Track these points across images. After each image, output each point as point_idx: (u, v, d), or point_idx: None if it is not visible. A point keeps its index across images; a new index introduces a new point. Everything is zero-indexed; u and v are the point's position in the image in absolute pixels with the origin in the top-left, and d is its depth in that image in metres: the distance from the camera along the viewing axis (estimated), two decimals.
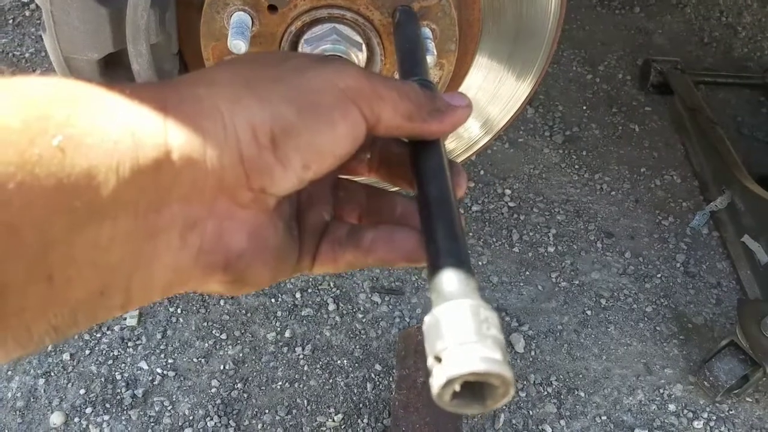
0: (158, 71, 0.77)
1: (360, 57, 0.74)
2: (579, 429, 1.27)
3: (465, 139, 1.03)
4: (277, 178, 0.34)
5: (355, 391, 1.31)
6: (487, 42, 0.87)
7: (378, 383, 1.32)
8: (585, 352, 1.40)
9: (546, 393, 1.32)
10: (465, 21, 0.78)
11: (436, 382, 0.29)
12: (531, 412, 1.29)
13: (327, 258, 0.42)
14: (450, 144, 1.03)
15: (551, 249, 1.57)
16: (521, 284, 1.51)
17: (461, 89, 0.90)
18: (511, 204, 1.65)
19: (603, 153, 1.78)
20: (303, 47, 0.75)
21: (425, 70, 0.51)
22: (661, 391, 1.33)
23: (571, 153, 1.76)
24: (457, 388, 0.29)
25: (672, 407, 1.30)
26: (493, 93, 0.95)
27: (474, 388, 0.30)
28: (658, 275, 1.53)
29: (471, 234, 1.59)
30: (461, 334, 0.29)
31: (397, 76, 0.66)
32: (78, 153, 0.28)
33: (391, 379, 1.32)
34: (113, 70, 0.80)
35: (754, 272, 1.46)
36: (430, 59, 0.73)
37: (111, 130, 0.30)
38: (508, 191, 1.66)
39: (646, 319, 1.45)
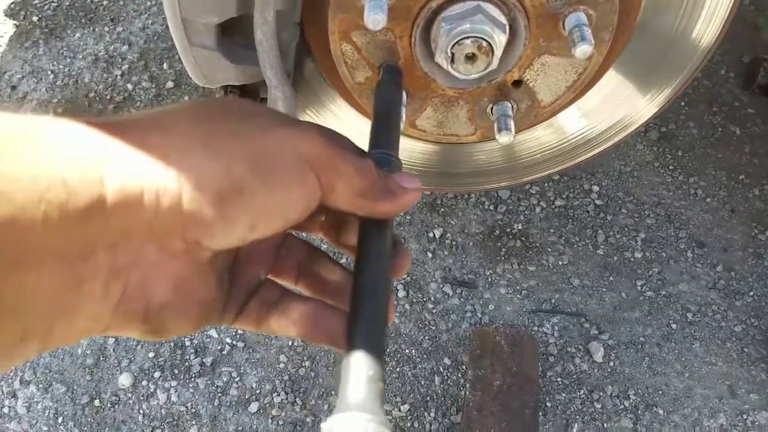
0: (278, 40, 0.71)
1: (501, 39, 0.67)
2: None
3: (566, 149, 0.96)
4: (218, 233, 0.33)
5: (423, 383, 1.27)
6: (632, 50, 0.79)
7: (447, 377, 1.28)
8: (667, 367, 1.32)
9: (623, 407, 1.26)
10: (624, 7, 0.70)
11: None
12: (606, 425, 1.23)
13: (251, 318, 0.41)
14: (548, 150, 0.95)
15: (638, 255, 1.48)
16: (604, 290, 1.43)
17: (595, 89, 0.82)
18: (598, 202, 1.56)
19: (700, 155, 1.66)
20: (440, 26, 0.67)
21: (393, 142, 0.50)
22: (745, 416, 1.25)
23: (665, 152, 1.65)
24: None
25: None
26: (615, 106, 0.87)
27: None
28: (750, 293, 1.43)
29: (552, 231, 1.52)
30: None
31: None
32: (2, 200, 0.27)
33: (459, 374, 1.28)
34: (230, 36, 0.74)
35: None
36: (586, 48, 0.65)
37: (41, 177, 0.28)
38: (595, 188, 1.57)
39: (733, 338, 1.37)
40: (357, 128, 0.88)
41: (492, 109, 0.78)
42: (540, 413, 1.22)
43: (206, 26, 0.70)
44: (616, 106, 0.89)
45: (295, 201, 0.35)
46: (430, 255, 1.48)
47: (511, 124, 0.75)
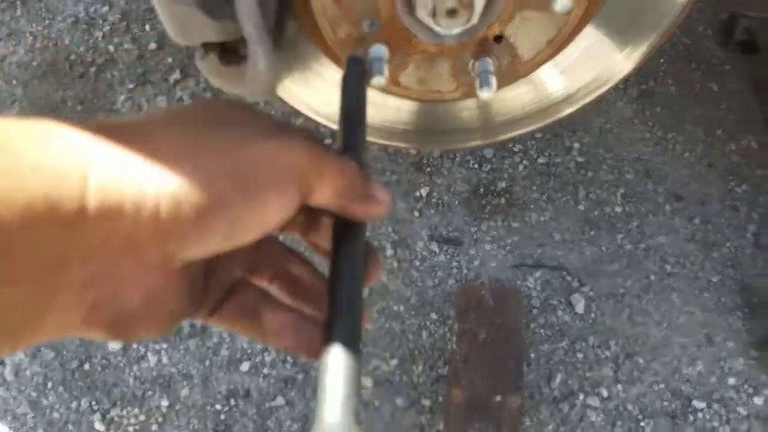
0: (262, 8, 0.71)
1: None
2: (635, 395, 1.26)
3: (545, 105, 0.96)
4: (195, 246, 0.34)
5: (410, 338, 1.31)
6: (609, 6, 0.79)
7: (433, 332, 1.31)
8: (646, 318, 1.37)
9: (604, 356, 1.31)
10: None
11: None
12: (587, 374, 1.28)
13: (225, 319, 0.42)
14: (529, 107, 0.96)
15: (618, 209, 1.52)
16: (584, 244, 1.46)
17: (573, 43, 0.82)
18: (579, 159, 1.58)
19: (678, 111, 1.69)
20: None
21: (363, 145, 0.49)
22: (722, 363, 1.31)
23: (645, 108, 1.67)
24: None
25: (732, 381, 1.28)
26: (592, 61, 0.88)
27: None
28: (727, 244, 1.48)
29: (535, 188, 1.54)
30: None
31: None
32: None
33: (446, 329, 1.31)
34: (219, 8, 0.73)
35: None
36: (565, 1, 0.66)
37: (21, 193, 0.28)
38: (576, 145, 1.59)
39: (711, 288, 1.41)
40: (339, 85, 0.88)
41: (473, 65, 0.79)
42: (524, 364, 1.26)
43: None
44: (594, 62, 0.89)
45: (275, 213, 0.36)
46: (416, 214, 1.50)
47: (493, 80, 0.76)
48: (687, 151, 1.62)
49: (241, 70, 0.79)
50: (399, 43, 0.76)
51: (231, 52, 0.79)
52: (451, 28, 0.69)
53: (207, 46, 0.77)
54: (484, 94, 0.77)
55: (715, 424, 1.23)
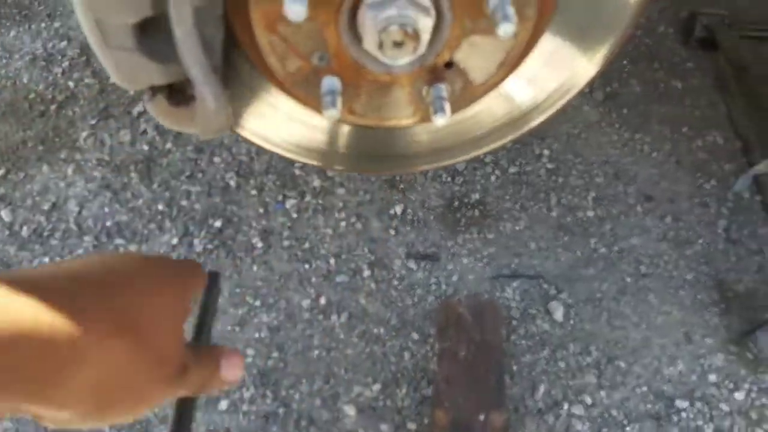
0: (201, 37, 0.70)
1: (426, 23, 0.67)
2: (619, 400, 1.26)
3: (516, 116, 0.97)
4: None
5: (393, 360, 1.30)
6: (556, 23, 0.79)
7: (415, 352, 1.31)
8: (624, 320, 1.37)
9: (586, 363, 1.31)
10: None
11: None
12: (570, 383, 1.28)
13: None
14: (501, 120, 0.97)
15: (590, 213, 1.52)
16: (559, 250, 1.47)
17: (526, 63, 0.83)
18: (549, 165, 1.59)
19: (643, 111, 1.70)
20: (365, 13, 0.67)
21: (209, 337, 0.57)
22: (702, 361, 1.31)
23: (611, 111, 1.69)
24: None
25: (713, 377, 1.29)
26: (556, 69, 0.88)
27: None
28: (699, 241, 1.49)
29: (508, 197, 1.54)
30: None
31: None
32: None
33: (428, 348, 1.31)
34: (150, 35, 0.72)
35: None
36: (508, 27, 0.66)
37: None
38: (546, 152, 1.60)
39: (686, 286, 1.42)
40: (295, 118, 0.87)
41: (427, 91, 0.78)
42: (506, 377, 1.26)
43: (123, 27, 0.68)
44: (558, 69, 0.90)
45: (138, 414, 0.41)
46: (392, 232, 1.49)
47: (446, 105, 0.76)
48: (654, 150, 1.64)
49: (191, 109, 0.78)
50: (350, 74, 0.76)
51: (179, 92, 0.78)
52: (399, 59, 0.69)
53: (154, 88, 0.76)
54: (439, 121, 0.77)
55: (699, 422, 1.23)
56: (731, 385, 1.28)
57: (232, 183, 1.54)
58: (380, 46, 0.68)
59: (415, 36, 0.67)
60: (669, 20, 1.89)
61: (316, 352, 1.30)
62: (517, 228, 1.50)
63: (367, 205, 1.53)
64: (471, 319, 1.22)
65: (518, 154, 1.60)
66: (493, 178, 1.57)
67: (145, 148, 1.58)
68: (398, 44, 0.68)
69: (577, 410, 1.24)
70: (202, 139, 1.48)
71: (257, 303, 1.36)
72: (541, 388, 1.26)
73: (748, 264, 1.46)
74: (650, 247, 1.48)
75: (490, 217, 1.52)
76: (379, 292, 1.39)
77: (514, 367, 1.29)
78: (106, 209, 1.49)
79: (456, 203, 1.54)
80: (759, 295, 1.40)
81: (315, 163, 1.04)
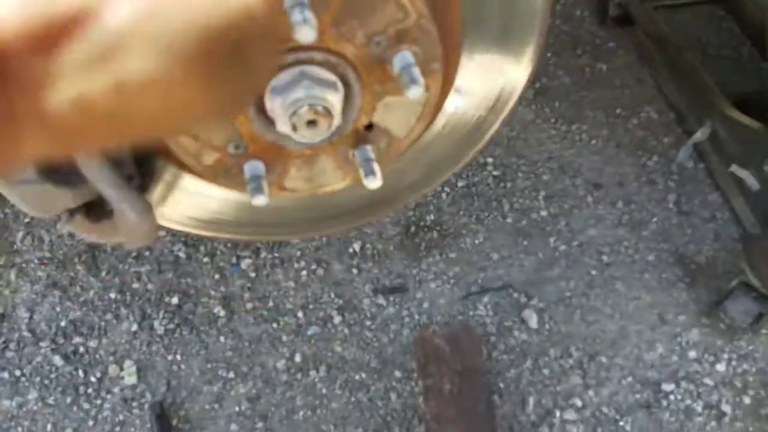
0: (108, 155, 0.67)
1: (335, 98, 0.66)
2: (608, 395, 1.27)
3: (464, 136, 0.97)
4: None
5: (380, 405, 1.28)
6: (473, 40, 0.79)
7: (401, 391, 1.29)
8: (598, 314, 1.38)
9: (569, 365, 1.31)
10: (445, 32, 0.69)
11: None
12: (558, 388, 1.28)
13: None
14: (458, 133, 0.97)
15: (544, 213, 1.53)
16: (521, 255, 1.47)
17: (451, 95, 0.82)
18: (495, 173, 1.59)
19: (576, 100, 1.72)
20: (272, 98, 0.65)
21: None
22: (679, 339, 1.33)
23: (543, 106, 1.70)
24: None
25: (693, 354, 1.31)
26: (492, 84, 0.88)
27: None
28: (654, 220, 1.52)
29: (462, 212, 1.54)
30: None
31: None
32: None
33: (414, 383, 1.29)
34: (56, 163, 0.68)
35: (747, 200, 1.45)
36: (417, 90, 0.65)
37: None
38: (489, 159, 1.60)
39: (650, 268, 1.44)
40: (227, 198, 0.85)
41: (353, 154, 0.77)
42: (495, 396, 1.25)
43: None
44: (491, 84, 0.89)
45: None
46: (356, 271, 1.47)
47: (375, 167, 0.74)
48: (593, 137, 1.66)
49: (113, 221, 0.74)
50: (272, 156, 0.74)
51: (98, 207, 0.74)
52: (316, 136, 0.67)
53: (71, 210, 0.73)
54: (371, 184, 0.75)
55: (688, 401, 1.25)
56: (711, 358, 1.30)
57: (182, 255, 1.49)
58: (294, 128, 0.66)
59: (327, 113, 0.65)
60: (583, 3, 1.92)
61: (301, 413, 1.27)
62: (476, 241, 1.50)
63: (325, 249, 1.51)
64: (449, 348, 1.21)
65: (464, 167, 1.59)
66: (443, 195, 1.57)
67: None
68: (312, 122, 0.66)
69: (569, 415, 1.24)
70: (129, 249, 1.43)
71: (231, 375, 1.32)
72: (531, 401, 1.26)
73: (704, 233, 1.49)
74: (608, 235, 1.50)
75: (448, 236, 1.52)
76: (354, 336, 1.37)
77: (501, 385, 1.28)
78: (58, 309, 1.43)
79: (413, 228, 1.53)
80: (720, 263, 1.43)
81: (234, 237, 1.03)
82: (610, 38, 1.85)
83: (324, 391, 1.30)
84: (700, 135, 1.56)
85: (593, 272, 1.44)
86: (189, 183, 0.84)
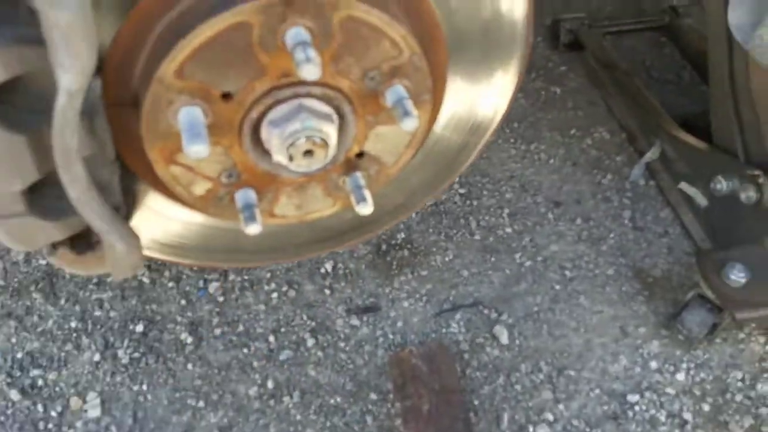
0: (97, 183, 0.65)
1: (331, 129, 0.67)
2: (577, 408, 1.31)
3: (448, 163, 1.00)
4: None
5: (356, 429, 1.27)
6: (457, 66, 0.82)
7: (377, 414, 1.29)
8: (564, 328, 1.43)
9: (539, 380, 1.34)
10: (433, 65, 0.72)
11: None
12: (530, 404, 1.31)
13: None
14: (454, 143, 1.00)
15: (509, 229, 1.58)
16: (490, 272, 1.50)
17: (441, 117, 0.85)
18: (461, 191, 1.63)
19: (533, 122, 1.79)
20: (269, 130, 0.65)
21: None
22: (641, 351, 1.39)
23: (504, 127, 1.76)
24: None
25: (654, 364, 1.37)
26: (478, 99, 0.91)
27: None
28: (611, 235, 1.59)
29: (431, 230, 1.56)
30: None
31: None
32: None
33: (389, 405, 1.29)
34: (41, 194, 0.66)
35: (696, 216, 1.54)
36: (411, 122, 0.67)
37: None
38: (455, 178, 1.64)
39: (610, 281, 1.50)
40: (218, 226, 0.84)
41: (344, 181, 0.78)
42: (471, 414, 1.27)
43: (10, 195, 0.62)
44: (474, 106, 0.92)
45: None
46: (328, 292, 1.46)
47: (366, 194, 0.76)
48: (551, 157, 1.72)
49: (98, 253, 0.72)
50: (264, 184, 0.74)
51: (82, 239, 0.72)
52: (312, 166, 0.68)
53: (54, 243, 0.70)
54: (363, 210, 0.76)
55: (653, 411, 1.30)
56: (671, 368, 1.36)
57: (146, 280, 1.45)
58: (291, 158, 0.67)
59: (323, 144, 0.66)
60: (536, 29, 1.99)
61: None
62: (446, 259, 1.53)
63: (296, 270, 1.49)
64: (425, 368, 1.22)
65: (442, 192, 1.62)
66: (413, 214, 1.59)
67: (43, 263, 1.45)
68: (309, 153, 0.67)
69: (542, 430, 1.27)
70: (116, 280, 1.38)
71: (201, 404, 1.28)
72: (505, 417, 1.29)
73: (659, 247, 1.56)
74: (569, 250, 1.55)
75: (419, 254, 1.53)
76: (328, 358, 1.36)
77: (476, 402, 1.30)
78: (14, 339, 1.35)
79: (384, 247, 1.54)
80: (674, 276, 1.51)
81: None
82: (562, 62, 1.93)
83: (298, 417, 1.28)
84: (651, 154, 1.65)
85: (557, 287, 1.49)
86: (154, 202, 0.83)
